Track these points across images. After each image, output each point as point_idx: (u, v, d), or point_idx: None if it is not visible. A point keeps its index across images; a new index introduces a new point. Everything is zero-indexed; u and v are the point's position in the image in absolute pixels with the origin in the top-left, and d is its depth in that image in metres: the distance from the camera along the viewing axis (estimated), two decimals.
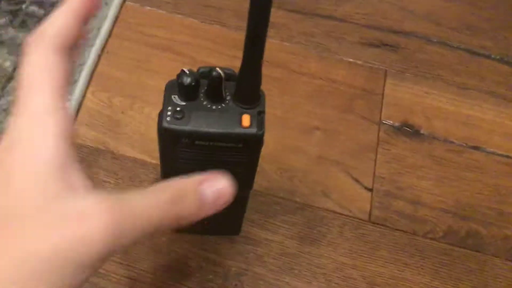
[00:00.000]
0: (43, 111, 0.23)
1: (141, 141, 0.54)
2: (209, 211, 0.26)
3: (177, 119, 0.32)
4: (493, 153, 0.58)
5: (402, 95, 0.62)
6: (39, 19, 0.62)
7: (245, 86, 0.33)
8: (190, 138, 0.33)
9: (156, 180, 0.51)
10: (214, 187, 0.26)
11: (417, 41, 0.68)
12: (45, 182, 0.22)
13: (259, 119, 0.33)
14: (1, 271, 0.20)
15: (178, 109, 0.32)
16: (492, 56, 0.67)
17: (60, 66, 0.25)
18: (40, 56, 0.24)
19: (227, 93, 0.33)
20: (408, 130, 0.59)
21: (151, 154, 0.53)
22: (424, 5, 0.71)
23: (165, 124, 0.32)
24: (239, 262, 0.48)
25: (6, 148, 0.23)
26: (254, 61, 0.31)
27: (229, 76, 0.34)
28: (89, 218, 0.21)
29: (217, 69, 0.32)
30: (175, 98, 0.32)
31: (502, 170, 0.56)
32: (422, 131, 0.59)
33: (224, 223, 0.47)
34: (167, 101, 0.32)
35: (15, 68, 0.57)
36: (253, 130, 0.33)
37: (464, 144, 0.58)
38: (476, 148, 0.58)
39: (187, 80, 0.31)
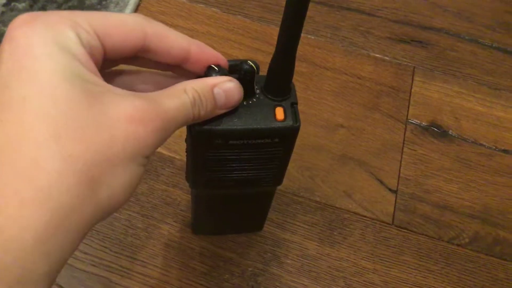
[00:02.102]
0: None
1: None
2: (221, 110, 0.29)
3: (209, 119, 0.30)
4: None
5: (430, 93, 0.59)
6: (58, 5, 0.61)
7: (278, 78, 0.31)
8: (224, 138, 0.31)
9: (174, 175, 0.50)
10: (226, 87, 0.29)
11: (448, 38, 0.65)
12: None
13: (293, 110, 0.31)
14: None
15: None
16: None
17: None
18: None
19: (256, 87, 0.32)
20: (436, 131, 0.56)
21: (169, 147, 0.52)
22: (456, 1, 0.68)
23: (197, 127, 0.30)
24: (257, 262, 0.46)
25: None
26: (290, 51, 0.29)
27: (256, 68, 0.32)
28: (138, 120, 0.23)
29: (249, 62, 0.30)
30: None
31: None
32: (450, 132, 0.56)
33: (249, 219, 0.46)
34: None
35: None
36: (289, 123, 0.31)
37: (494, 147, 0.56)
38: (506, 151, 0.56)
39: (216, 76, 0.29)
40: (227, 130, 0.30)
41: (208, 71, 0.29)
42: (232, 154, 0.32)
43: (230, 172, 0.34)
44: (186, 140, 0.33)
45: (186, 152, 0.34)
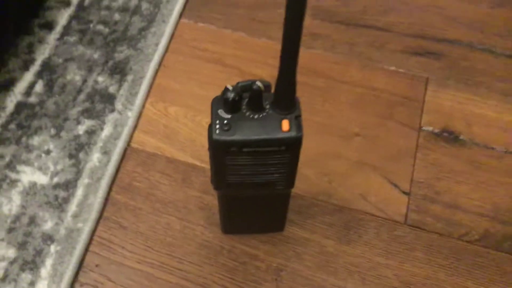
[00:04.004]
0: None
1: (192, 146, 0.60)
2: None
3: (225, 130, 0.36)
4: None
5: (443, 101, 0.63)
6: (104, 37, 0.70)
7: (283, 95, 0.37)
8: (238, 146, 0.37)
9: (207, 182, 0.56)
10: None
11: (460, 49, 0.69)
12: None
13: (296, 122, 0.37)
14: None
15: (225, 122, 0.37)
16: None
17: None
18: None
19: (266, 103, 0.38)
20: (448, 136, 0.60)
21: (201, 159, 0.58)
22: (468, 12, 0.72)
23: (215, 137, 0.36)
24: (279, 259, 0.52)
25: None
26: (289, 72, 0.35)
27: (266, 87, 0.38)
28: None
29: (257, 82, 0.36)
30: (221, 112, 0.37)
31: None
32: (462, 137, 0.60)
33: (270, 220, 0.51)
34: (214, 115, 0.37)
35: (84, 81, 0.65)
36: (293, 133, 0.37)
37: (505, 150, 0.59)
38: None
39: (230, 95, 0.36)
40: (241, 139, 0.36)
41: (224, 91, 0.36)
42: (246, 160, 0.38)
43: (246, 175, 0.40)
44: (208, 149, 0.39)
45: (209, 158, 0.40)
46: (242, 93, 0.38)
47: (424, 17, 0.72)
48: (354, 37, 0.70)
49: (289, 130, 0.37)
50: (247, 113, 0.37)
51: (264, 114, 0.37)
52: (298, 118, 0.37)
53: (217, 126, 0.37)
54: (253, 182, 0.41)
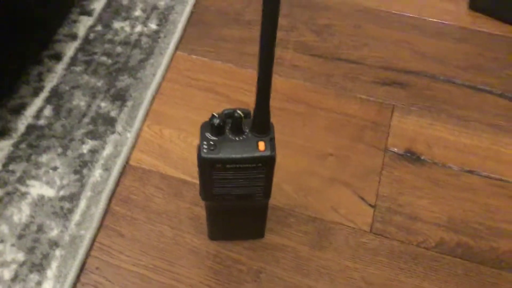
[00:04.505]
0: None
1: (184, 164, 0.67)
2: None
3: (211, 150, 0.44)
4: (486, 177, 0.66)
5: (407, 126, 0.71)
6: (107, 67, 0.78)
7: (259, 121, 0.45)
8: (222, 163, 0.45)
9: (196, 196, 0.64)
10: None
11: (425, 80, 0.77)
12: None
13: (271, 144, 0.45)
14: None
15: (211, 142, 0.45)
16: (494, 91, 0.75)
17: None
18: None
19: (246, 128, 0.46)
20: (411, 156, 0.68)
21: (191, 175, 0.66)
22: (434, 47, 0.81)
23: (203, 155, 0.44)
24: (260, 262, 0.58)
25: None
26: (264, 103, 0.43)
27: (246, 114, 0.46)
28: None
29: (238, 111, 0.44)
30: (208, 135, 0.45)
31: (493, 191, 0.64)
32: (423, 157, 0.68)
33: (251, 227, 0.58)
34: (202, 137, 0.45)
35: (88, 106, 0.72)
36: (268, 153, 0.45)
37: (461, 169, 0.67)
38: (471, 172, 0.66)
39: (216, 121, 0.44)
40: (224, 157, 0.44)
41: (211, 118, 0.44)
42: (229, 175, 0.46)
43: (229, 188, 0.48)
44: (197, 165, 0.46)
45: (198, 174, 0.48)
46: (226, 119, 0.45)
47: (394, 51, 0.81)
48: (331, 69, 0.79)
49: (265, 150, 0.44)
50: (230, 136, 0.45)
51: (244, 136, 0.45)
52: (272, 140, 0.45)
53: (205, 146, 0.44)
54: (236, 193, 0.48)
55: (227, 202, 0.51)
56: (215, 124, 0.44)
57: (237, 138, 0.45)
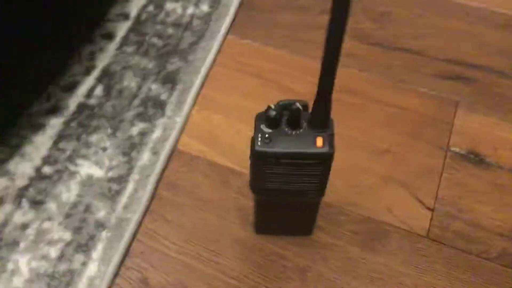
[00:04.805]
0: None
1: (232, 152, 0.65)
2: None
3: (266, 143, 0.42)
4: None
5: (471, 124, 0.67)
6: (158, 49, 0.76)
7: (319, 115, 0.42)
8: (276, 157, 0.42)
9: (243, 186, 0.62)
10: None
11: (492, 75, 0.72)
12: None
13: (330, 140, 0.42)
14: None
15: (266, 136, 0.42)
16: None
17: None
18: None
19: (303, 121, 0.43)
20: (474, 158, 0.63)
21: (239, 164, 0.64)
22: (502, 40, 0.75)
23: (257, 148, 0.42)
24: (306, 260, 0.56)
25: None
26: (326, 96, 0.40)
27: (304, 106, 0.43)
28: None
29: (297, 103, 0.41)
30: (263, 127, 0.42)
31: None
32: (487, 160, 0.63)
33: (300, 224, 0.56)
34: (257, 129, 0.43)
35: (138, 88, 0.72)
36: (326, 149, 0.42)
37: None
38: None
39: (272, 113, 0.41)
40: (279, 152, 0.42)
41: (267, 109, 0.41)
42: (282, 170, 0.43)
43: (281, 183, 0.45)
44: (249, 157, 0.44)
45: (250, 166, 0.45)
46: (283, 110, 0.43)
47: (458, 43, 0.76)
48: (390, 59, 0.74)
49: (323, 146, 0.42)
50: (286, 129, 0.42)
51: (301, 131, 0.42)
52: (331, 136, 0.42)
53: (259, 139, 0.42)
54: (288, 189, 0.46)
55: (278, 197, 0.48)
56: (271, 116, 0.42)
57: (293, 132, 0.42)
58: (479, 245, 0.56)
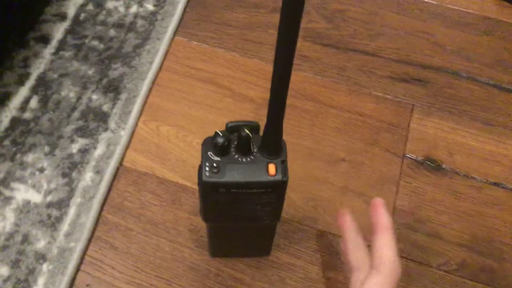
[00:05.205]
0: None
1: (183, 167, 0.61)
2: None
3: (214, 173, 0.38)
4: None
5: (427, 129, 0.66)
6: (99, 53, 0.71)
7: (270, 141, 0.39)
8: (227, 188, 0.39)
9: (196, 205, 0.58)
10: None
11: (446, 76, 0.71)
12: None
13: (282, 167, 0.39)
14: None
15: (214, 164, 0.38)
16: None
17: None
18: None
19: (254, 146, 0.39)
20: (431, 165, 0.62)
21: (191, 180, 0.60)
22: (456, 40, 0.74)
23: (204, 178, 0.38)
24: (264, 283, 0.54)
25: None
26: (277, 122, 0.37)
27: (254, 128, 0.40)
28: None
29: (245, 130, 0.38)
30: (211, 155, 0.39)
31: None
32: (444, 166, 0.62)
33: (256, 245, 0.53)
34: (204, 157, 0.39)
35: (78, 98, 0.66)
36: (279, 177, 0.39)
37: (485, 180, 0.61)
38: (496, 184, 0.61)
39: (220, 141, 0.38)
40: (229, 182, 0.38)
41: (214, 136, 0.38)
42: (234, 199, 0.40)
43: (234, 212, 0.42)
44: (198, 185, 0.41)
45: (198, 195, 0.42)
46: (232, 132, 0.39)
47: (412, 42, 0.74)
48: (344, 61, 0.72)
49: (275, 174, 0.39)
50: (236, 156, 0.39)
51: (252, 157, 0.39)
52: (284, 162, 0.39)
53: (207, 168, 0.38)
54: (241, 216, 0.43)
55: (231, 223, 0.45)
56: (219, 144, 0.38)
57: (244, 159, 0.39)
58: (438, 257, 0.56)
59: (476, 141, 0.65)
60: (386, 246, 0.40)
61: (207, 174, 0.38)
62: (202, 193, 0.41)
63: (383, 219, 0.41)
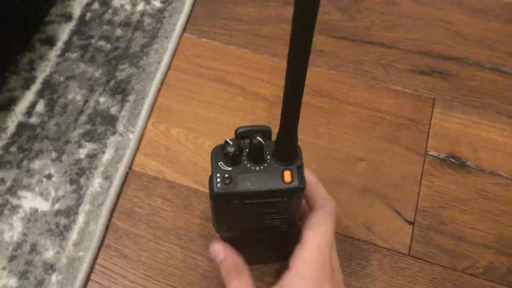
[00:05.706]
0: None
1: (195, 170, 0.59)
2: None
3: (226, 184, 0.36)
4: None
5: (449, 125, 0.62)
6: (106, 54, 0.69)
7: (284, 147, 0.36)
8: (240, 199, 0.37)
9: (207, 209, 0.56)
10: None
11: (468, 68, 0.67)
12: None
13: (299, 173, 0.37)
14: None
15: (226, 175, 0.36)
16: None
17: None
18: None
19: (267, 152, 0.37)
20: (454, 162, 0.59)
21: (203, 184, 0.58)
22: (478, 29, 0.70)
23: (216, 190, 0.36)
24: None
25: None
26: (291, 127, 0.34)
27: (265, 132, 0.37)
28: None
29: (258, 138, 0.35)
30: (222, 165, 0.36)
31: None
32: (468, 163, 0.59)
33: (272, 252, 0.51)
34: (215, 168, 0.36)
35: (85, 102, 0.64)
36: (296, 184, 0.36)
37: (511, 177, 0.58)
38: None
39: (231, 150, 0.35)
40: (242, 192, 0.36)
41: (224, 145, 0.35)
42: (248, 210, 0.38)
43: (248, 223, 0.40)
44: (209, 197, 0.38)
45: (210, 207, 0.39)
46: (242, 139, 0.37)
47: (431, 33, 0.71)
48: (360, 54, 0.69)
49: (291, 181, 0.36)
50: (248, 165, 0.36)
51: (265, 165, 0.36)
52: (300, 168, 0.37)
53: (218, 180, 0.36)
54: (255, 227, 0.40)
55: (245, 234, 0.43)
56: (230, 153, 0.36)
57: (257, 168, 0.37)
58: (464, 260, 0.53)
59: (501, 136, 0.61)
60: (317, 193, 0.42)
61: (219, 185, 0.36)
62: (214, 205, 0.38)
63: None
